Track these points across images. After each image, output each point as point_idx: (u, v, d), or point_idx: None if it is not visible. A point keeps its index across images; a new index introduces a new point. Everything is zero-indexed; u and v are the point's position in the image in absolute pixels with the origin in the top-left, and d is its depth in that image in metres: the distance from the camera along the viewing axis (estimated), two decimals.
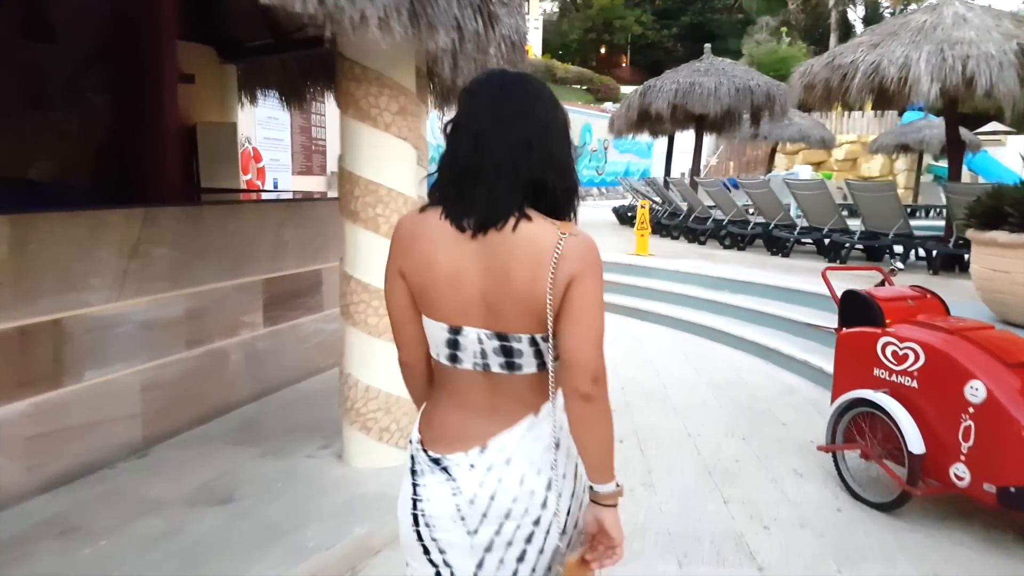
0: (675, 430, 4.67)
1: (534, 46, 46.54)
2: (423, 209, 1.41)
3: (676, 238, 12.70)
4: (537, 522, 1.39)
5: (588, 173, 29.98)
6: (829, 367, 4.46)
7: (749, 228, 11.06)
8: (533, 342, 1.35)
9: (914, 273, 7.81)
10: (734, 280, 8.12)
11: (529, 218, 1.32)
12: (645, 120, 13.81)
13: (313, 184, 12.61)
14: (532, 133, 1.34)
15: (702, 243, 12.02)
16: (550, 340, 1.34)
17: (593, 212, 19.74)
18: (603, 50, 52.39)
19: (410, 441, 1.50)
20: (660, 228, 13.23)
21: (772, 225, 10.68)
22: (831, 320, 4.33)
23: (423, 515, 1.42)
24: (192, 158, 7.15)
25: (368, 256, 3.47)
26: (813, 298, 6.73)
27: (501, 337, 1.34)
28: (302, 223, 4.89)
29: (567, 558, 1.41)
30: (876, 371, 3.69)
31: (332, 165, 13.27)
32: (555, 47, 48.18)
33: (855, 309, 3.98)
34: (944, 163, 24.63)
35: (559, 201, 1.38)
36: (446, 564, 1.43)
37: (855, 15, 41.64)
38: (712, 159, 31.02)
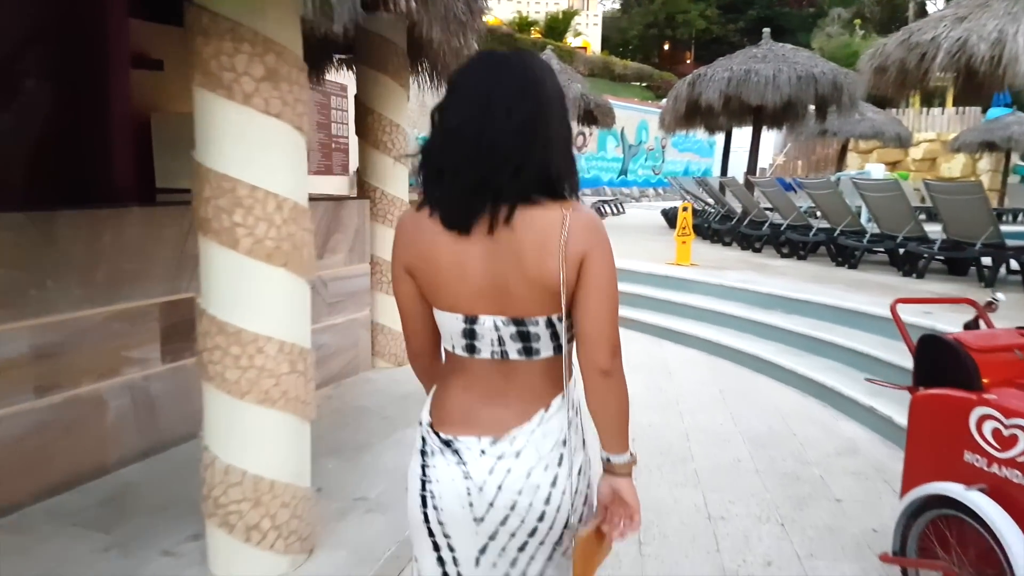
0: (691, 510, 3.52)
1: (593, 42, 45.41)
2: (419, 207, 1.38)
3: (728, 244, 11.41)
4: (541, 517, 1.40)
5: (644, 173, 28.61)
6: (903, 418, 3.26)
7: (811, 234, 9.70)
8: (549, 323, 1.36)
9: (1008, 292, 6.41)
10: (788, 298, 6.85)
11: (529, 202, 1.30)
12: (695, 114, 12.54)
13: (332, 185, 11.75)
14: (525, 117, 1.29)
15: (757, 250, 10.70)
16: (564, 320, 1.36)
17: (643, 214, 18.52)
18: (666, 46, 50.98)
19: (419, 423, 1.50)
20: (711, 233, 11.95)
21: (838, 232, 9.30)
22: (907, 360, 3.14)
23: (432, 496, 1.43)
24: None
25: (225, 282, 2.44)
26: (885, 324, 5.45)
27: (517, 322, 1.35)
28: None
29: (579, 531, 1.42)
30: (968, 456, 2.49)
31: (354, 164, 12.39)
32: (615, 44, 47.02)
33: (937, 361, 2.75)
34: None
35: (558, 181, 1.34)
36: (449, 548, 1.45)
37: (934, 6, 39.07)
38: (779, 157, 29.27)
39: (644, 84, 40.50)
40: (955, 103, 26.97)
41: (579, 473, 1.43)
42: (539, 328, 1.35)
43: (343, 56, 5.97)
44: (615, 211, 18.79)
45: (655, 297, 7.69)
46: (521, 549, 1.42)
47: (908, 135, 19.68)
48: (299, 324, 2.57)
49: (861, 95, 11.38)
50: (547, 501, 1.38)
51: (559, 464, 1.40)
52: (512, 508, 1.38)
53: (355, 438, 3.87)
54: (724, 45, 43.71)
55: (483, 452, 1.39)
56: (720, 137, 16.37)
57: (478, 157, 1.28)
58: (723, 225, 11.70)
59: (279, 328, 2.47)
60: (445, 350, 1.48)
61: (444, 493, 1.41)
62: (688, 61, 49.11)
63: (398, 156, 5.07)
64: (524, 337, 1.36)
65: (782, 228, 10.31)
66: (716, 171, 24.61)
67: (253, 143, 2.37)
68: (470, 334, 1.38)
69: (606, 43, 46.37)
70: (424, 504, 1.43)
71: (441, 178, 1.32)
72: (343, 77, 12.24)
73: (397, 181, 5.12)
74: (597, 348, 1.34)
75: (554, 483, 1.39)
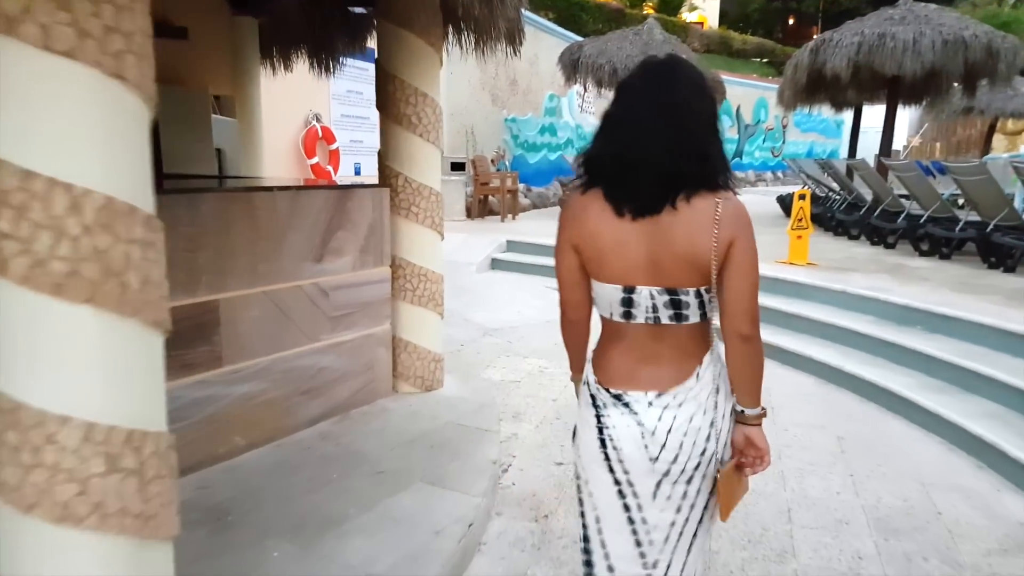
0: None
1: (709, 17, 42.95)
2: (584, 190, 1.65)
3: (855, 237, 9.84)
4: (703, 452, 1.66)
5: (761, 155, 26.53)
6: None
7: (958, 229, 8.07)
8: (698, 294, 1.60)
9: None
10: (931, 312, 5.44)
11: (686, 193, 1.54)
12: (819, 87, 10.93)
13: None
14: (684, 123, 1.55)
15: (890, 246, 9.12)
16: (712, 292, 1.61)
17: (758, 200, 16.79)
18: (791, 21, 47.84)
19: (586, 383, 1.76)
20: (834, 224, 10.39)
21: (991, 226, 7.66)
22: None
23: (611, 439, 1.69)
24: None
25: None
26: None
27: (671, 292, 1.59)
28: (185, 226, 3.05)
29: (723, 468, 1.68)
30: None
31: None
32: (734, 18, 44.39)
33: None
34: None
35: (712, 175, 1.57)
36: (629, 483, 1.69)
37: None
38: (914, 139, 26.47)
39: (765, 60, 37.97)
40: None
41: (725, 417, 1.70)
42: (689, 298, 1.60)
43: (360, 7, 5.00)
44: None
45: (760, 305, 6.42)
46: (688, 482, 1.68)
47: None
48: (124, 394, 1.61)
49: (1021, 64, 9.52)
50: (708, 439, 1.66)
51: (714, 409, 1.67)
52: (680, 447, 1.64)
53: (328, 506, 2.93)
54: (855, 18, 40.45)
55: (650, 404, 1.65)
56: (849, 115, 14.55)
57: (666, 152, 1.53)
58: (849, 215, 10.11)
59: (84, 403, 1.53)
60: (602, 317, 1.73)
61: (621, 437, 1.68)
62: (815, 36, 45.75)
63: (427, 135, 4.08)
64: (676, 305, 1.61)
65: (921, 220, 8.70)
66: (843, 153, 22.37)
67: (21, 100, 1.42)
68: (628, 302, 1.63)
69: (724, 18, 43.80)
70: (604, 446, 1.70)
71: (624, 169, 1.57)
72: None
73: (425, 165, 4.13)
74: (740, 318, 1.59)
75: (712, 424, 1.66)
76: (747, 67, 33.74)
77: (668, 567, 1.72)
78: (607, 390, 1.69)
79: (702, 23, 41.38)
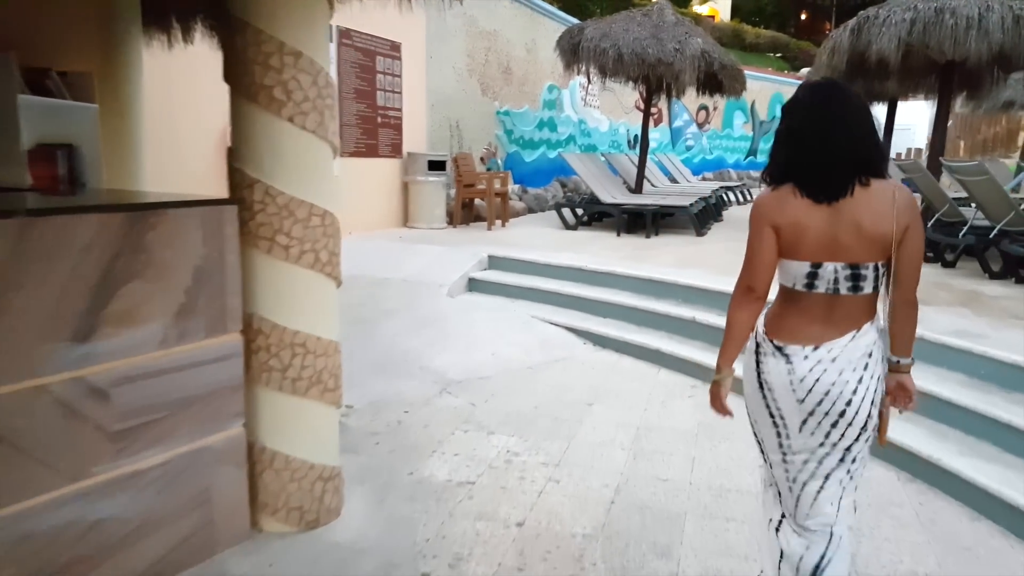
0: None
1: (721, 10, 41.27)
2: (774, 189, 2.06)
3: None
4: (848, 403, 2.01)
5: None
6: None
7: None
8: (876, 268, 1.99)
9: None
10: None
11: (864, 183, 1.97)
12: (858, 72, 9.27)
13: (378, 171, 9.34)
14: (855, 129, 1.99)
15: (948, 264, 7.51)
16: (885, 267, 2.01)
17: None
18: (804, 15, 46.22)
19: (754, 334, 2.15)
20: None
21: None
22: None
23: (766, 384, 2.10)
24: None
25: None
26: None
27: (853, 267, 1.98)
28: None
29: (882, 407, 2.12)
30: None
31: (412, 143, 9.92)
32: (747, 11, 42.73)
33: None
34: None
35: (879, 168, 2.01)
36: (781, 418, 2.10)
37: None
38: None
39: (779, 55, 36.33)
40: None
41: (875, 378, 2.04)
42: (868, 271, 1.99)
43: None
44: (741, 199, 15.58)
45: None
46: (833, 426, 2.04)
47: None
48: None
49: None
50: (853, 393, 2.00)
51: (864, 369, 2.01)
52: (826, 394, 2.01)
53: None
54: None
55: (806, 357, 2.02)
56: (881, 109, 12.92)
57: (838, 157, 1.96)
58: None
59: None
60: (783, 286, 2.11)
61: (774, 382, 2.06)
62: (828, 31, 44.32)
63: (303, 119, 2.51)
64: (855, 278, 1.99)
65: (991, 235, 7.09)
66: None
67: None
68: (812, 276, 2.01)
69: (737, 12, 42.14)
70: (762, 388, 2.11)
71: (812, 173, 1.99)
72: (395, 32, 9.91)
73: (303, 168, 2.56)
74: (910, 286, 2.02)
75: (860, 382, 2.01)
76: (761, 61, 32.08)
77: (804, 485, 2.12)
78: (771, 342, 2.08)
79: (714, 16, 39.73)
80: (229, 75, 2.55)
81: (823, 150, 1.96)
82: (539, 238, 9.10)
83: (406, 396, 4.54)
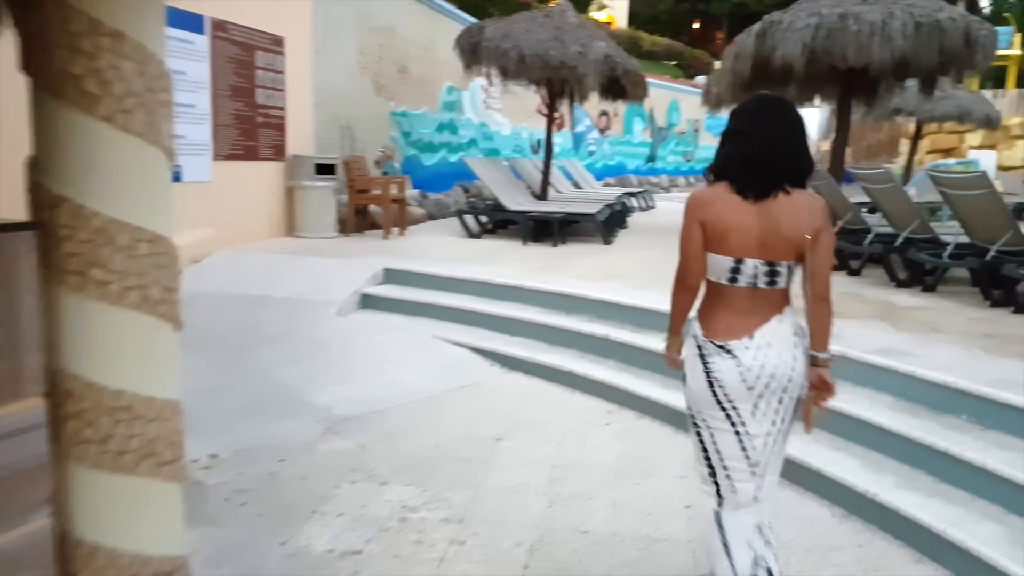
0: None
1: (618, 16, 41.79)
2: (710, 184, 2.31)
3: None
4: (790, 379, 2.26)
5: (674, 159, 25.17)
6: None
7: (946, 255, 6.42)
8: (789, 267, 2.25)
9: None
10: (982, 397, 3.67)
11: (787, 190, 2.21)
12: (761, 80, 9.20)
13: (258, 175, 8.54)
14: (791, 138, 2.24)
15: (854, 273, 7.46)
16: (797, 265, 2.26)
17: (675, 209, 15.11)
18: (696, 24, 47.51)
19: (694, 336, 2.36)
20: None
21: (994, 251, 6.03)
22: None
23: (716, 381, 2.26)
24: None
25: None
26: None
27: (771, 264, 2.21)
28: None
29: (805, 395, 2.34)
30: None
31: (297, 145, 9.16)
32: (643, 19, 43.47)
33: None
34: None
35: (804, 177, 2.27)
36: (733, 408, 2.28)
37: None
38: (823, 143, 25.63)
39: (675, 63, 37.09)
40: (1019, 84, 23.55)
41: (800, 357, 2.29)
42: (783, 268, 2.23)
43: None
44: (643, 205, 15.50)
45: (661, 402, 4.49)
46: (779, 402, 2.28)
47: (997, 116, 16.19)
48: None
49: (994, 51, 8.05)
50: (792, 369, 2.25)
51: (794, 347, 2.27)
52: (772, 376, 2.23)
53: None
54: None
55: (747, 347, 2.23)
56: None
57: (775, 162, 2.21)
58: None
59: None
60: (708, 280, 2.32)
61: (724, 377, 2.25)
62: (720, 40, 45.79)
63: (125, 120, 1.90)
64: (772, 274, 2.23)
65: (896, 243, 7.05)
66: None
67: None
68: (735, 271, 2.24)
69: (633, 18, 42.81)
70: (711, 385, 2.27)
71: (750, 171, 2.21)
72: (276, 24, 9.11)
73: (127, 181, 1.95)
74: (821, 283, 2.24)
75: (794, 358, 2.27)
76: (658, 68, 32.57)
77: (767, 466, 2.34)
78: (712, 342, 2.28)
79: (611, 23, 40.14)
80: (28, 64, 1.91)
81: (763, 150, 2.19)
82: (441, 248, 8.56)
83: (284, 440, 3.92)
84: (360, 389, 4.80)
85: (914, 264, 6.74)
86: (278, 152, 8.79)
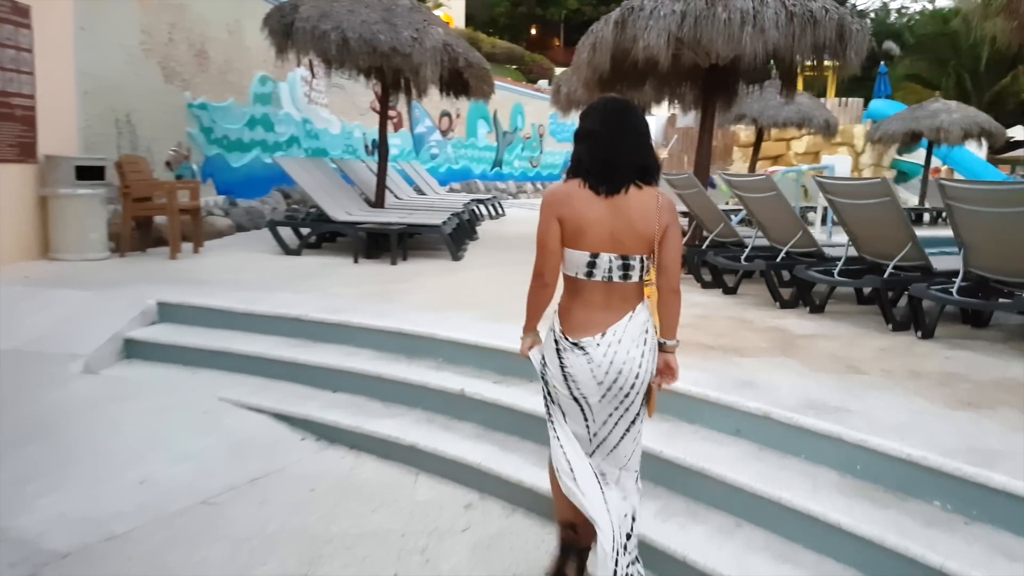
0: None
1: (456, 17, 40.80)
2: (565, 181, 2.40)
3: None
4: (637, 375, 2.35)
5: (520, 165, 24.32)
6: None
7: (836, 271, 5.62)
8: (642, 260, 2.35)
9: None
10: (961, 479, 2.69)
11: (638, 186, 2.33)
12: (619, 75, 8.22)
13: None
14: (639, 138, 2.37)
15: (729, 292, 6.60)
16: (649, 259, 2.38)
17: (526, 216, 14.07)
18: (534, 30, 47.52)
19: (552, 330, 2.45)
20: None
21: (890, 267, 5.26)
22: None
23: (569, 376, 2.37)
24: None
25: None
26: None
27: (624, 258, 2.33)
28: None
29: (651, 383, 2.47)
30: None
31: (53, 143, 7.10)
32: (481, 21, 42.71)
33: None
34: (913, 156, 19.91)
35: (652, 175, 2.39)
36: (583, 397, 2.39)
37: None
38: (662, 151, 25.75)
39: (515, 67, 36.50)
40: (837, 94, 24.72)
41: (651, 351, 2.41)
42: (635, 262, 2.34)
43: None
44: (494, 213, 14.35)
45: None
46: (626, 396, 2.39)
47: (836, 122, 16.45)
48: None
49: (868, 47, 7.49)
50: (639, 366, 2.36)
51: (644, 344, 2.37)
52: (620, 372, 2.34)
53: None
54: None
55: (598, 344, 2.33)
56: None
57: (624, 158, 2.33)
58: None
59: None
60: (566, 275, 2.42)
61: (576, 372, 2.35)
62: (557, 45, 45.96)
63: None
64: (626, 268, 2.34)
65: (779, 259, 6.23)
66: None
67: None
68: (591, 264, 2.33)
69: (471, 20, 41.96)
70: (566, 379, 2.38)
71: (602, 167, 2.32)
72: None
73: None
74: (672, 276, 2.40)
75: (642, 355, 2.36)
76: (499, 71, 31.67)
77: (605, 438, 2.46)
78: (567, 338, 2.37)
79: (448, 23, 39.10)
80: None
81: (612, 148, 2.33)
82: (245, 269, 6.87)
83: None
84: (91, 498, 3.18)
85: (800, 282, 5.91)
86: (25, 152, 6.71)
